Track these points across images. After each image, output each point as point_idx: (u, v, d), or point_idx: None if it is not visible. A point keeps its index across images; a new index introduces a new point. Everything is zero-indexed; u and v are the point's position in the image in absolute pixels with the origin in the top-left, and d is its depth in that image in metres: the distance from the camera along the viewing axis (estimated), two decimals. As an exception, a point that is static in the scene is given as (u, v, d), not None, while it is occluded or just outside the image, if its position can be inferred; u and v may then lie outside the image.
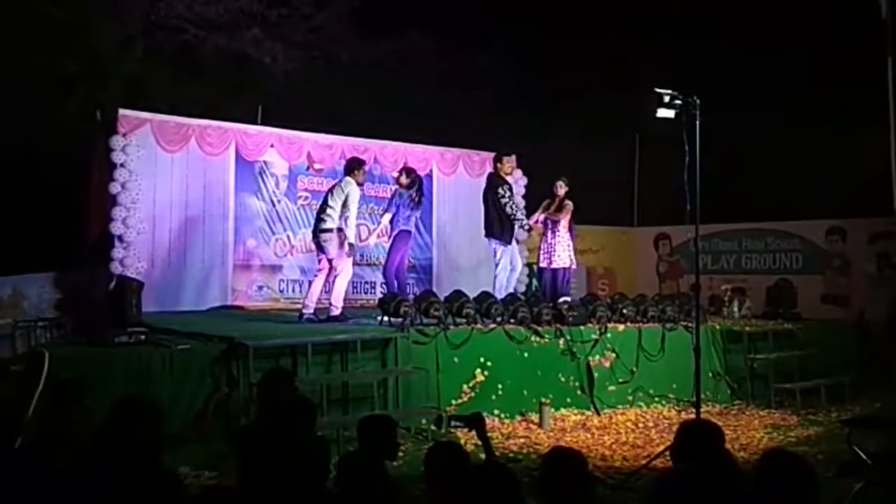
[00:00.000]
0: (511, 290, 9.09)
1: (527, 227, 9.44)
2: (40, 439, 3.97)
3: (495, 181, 9.23)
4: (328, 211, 8.22)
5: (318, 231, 8.34)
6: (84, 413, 4.14)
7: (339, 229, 8.13)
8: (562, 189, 9.49)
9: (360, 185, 8.48)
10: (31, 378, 5.82)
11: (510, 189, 9.23)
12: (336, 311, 8.24)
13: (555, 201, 9.46)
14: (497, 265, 9.23)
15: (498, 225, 9.10)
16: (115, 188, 8.92)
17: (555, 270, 9.36)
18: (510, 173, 9.46)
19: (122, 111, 9.24)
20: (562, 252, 9.35)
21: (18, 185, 10.66)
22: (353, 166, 8.50)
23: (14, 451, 3.83)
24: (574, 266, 9.68)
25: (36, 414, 5.25)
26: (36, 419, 5.07)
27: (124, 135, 9.06)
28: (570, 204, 9.40)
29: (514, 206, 9.13)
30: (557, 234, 9.35)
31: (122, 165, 8.97)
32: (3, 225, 10.34)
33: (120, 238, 8.89)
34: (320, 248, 8.37)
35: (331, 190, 8.47)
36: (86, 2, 11.85)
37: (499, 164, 9.33)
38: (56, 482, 3.22)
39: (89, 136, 9.44)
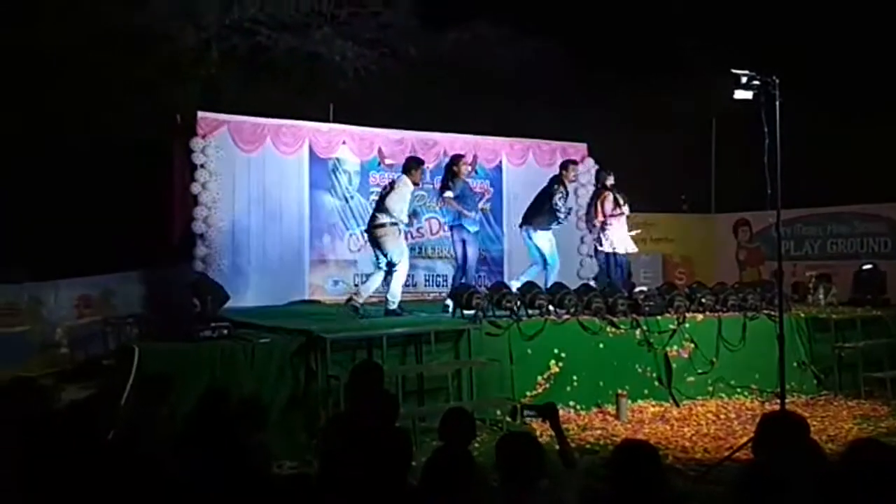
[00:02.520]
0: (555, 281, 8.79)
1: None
2: (131, 431, 4.16)
3: (557, 180, 9.26)
4: (381, 208, 8.18)
5: (371, 227, 8.27)
6: (170, 406, 4.32)
7: (394, 223, 8.06)
8: (609, 180, 9.75)
9: (415, 184, 8.43)
10: (122, 372, 6.10)
11: (566, 192, 9.26)
12: (393, 306, 8.18)
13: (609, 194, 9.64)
14: (542, 253, 9.06)
15: (542, 216, 9.08)
16: (196, 188, 9.22)
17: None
18: (574, 180, 9.65)
19: (200, 113, 9.52)
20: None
21: (105, 189, 11.13)
22: (411, 166, 8.38)
23: (108, 441, 4.01)
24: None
25: (127, 406, 5.49)
26: (127, 411, 5.30)
27: (203, 136, 9.34)
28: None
29: (565, 206, 9.14)
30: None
31: (202, 166, 9.25)
32: (93, 227, 10.82)
33: (202, 236, 9.18)
34: (375, 245, 8.25)
35: (386, 187, 8.46)
36: (163, 8, 12.25)
37: (564, 171, 9.33)
38: (148, 470, 3.36)
39: (170, 138, 9.78)
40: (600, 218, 9.64)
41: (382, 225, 8.08)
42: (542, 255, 9.04)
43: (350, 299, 8.28)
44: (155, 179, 10.12)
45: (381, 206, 8.21)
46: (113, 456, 3.59)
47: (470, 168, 9.40)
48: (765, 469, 3.02)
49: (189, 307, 7.18)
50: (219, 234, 9.30)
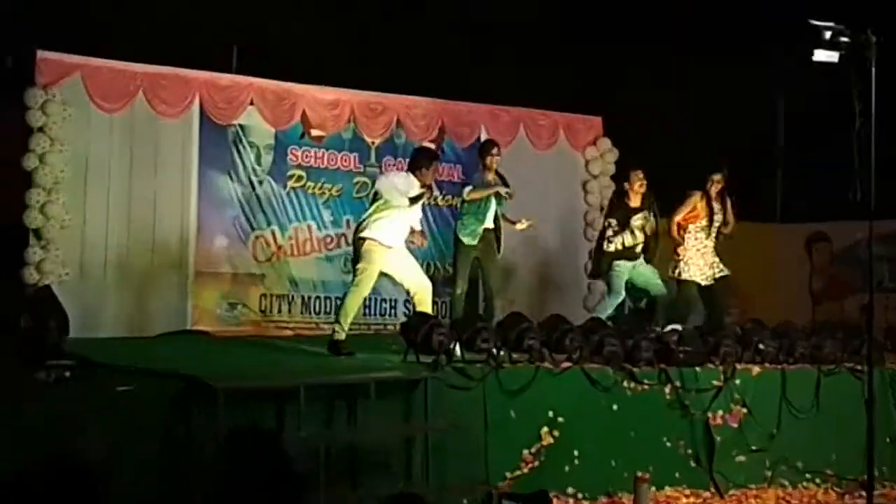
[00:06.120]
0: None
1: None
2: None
3: (609, 207, 9.92)
4: (367, 210, 8.52)
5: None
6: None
7: (373, 240, 8.25)
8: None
9: (425, 187, 8.60)
10: None
11: (619, 220, 9.70)
12: (339, 336, 8.27)
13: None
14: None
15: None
16: (31, 162, 9.09)
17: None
18: (640, 192, 9.84)
19: (41, 53, 9.42)
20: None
21: None
22: (420, 162, 8.60)
23: None
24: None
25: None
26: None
27: (44, 87, 9.27)
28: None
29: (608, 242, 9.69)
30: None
31: (40, 130, 9.18)
32: None
33: (37, 233, 9.07)
34: None
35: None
36: None
37: (625, 183, 9.85)
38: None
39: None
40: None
41: (361, 239, 8.29)
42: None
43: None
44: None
45: (368, 208, 8.51)
46: None
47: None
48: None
49: (14, 336, 7.05)
50: (62, 231, 9.20)
